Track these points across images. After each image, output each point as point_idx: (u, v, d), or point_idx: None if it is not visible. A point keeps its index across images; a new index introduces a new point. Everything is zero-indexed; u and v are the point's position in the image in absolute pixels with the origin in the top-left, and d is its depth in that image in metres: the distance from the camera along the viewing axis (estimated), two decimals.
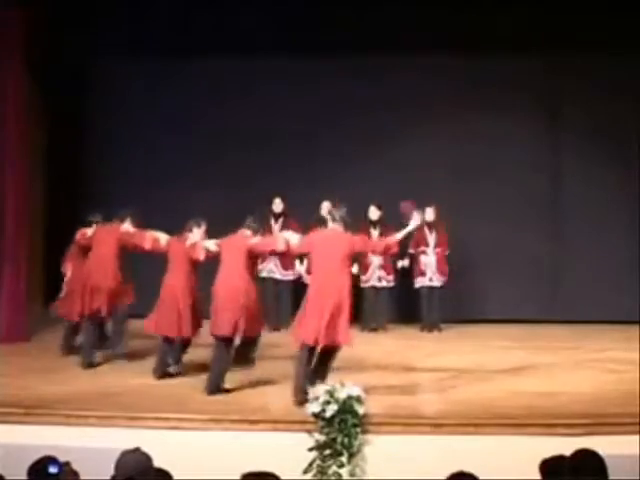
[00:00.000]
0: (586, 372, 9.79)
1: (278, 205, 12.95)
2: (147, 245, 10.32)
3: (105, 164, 13.86)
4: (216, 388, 9.09)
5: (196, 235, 10.00)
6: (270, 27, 13.21)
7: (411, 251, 12.78)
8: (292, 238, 9.44)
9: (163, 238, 10.22)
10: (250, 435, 8.04)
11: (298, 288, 12.53)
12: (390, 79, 13.36)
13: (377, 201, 12.79)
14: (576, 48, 12.88)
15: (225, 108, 13.53)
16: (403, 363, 10.38)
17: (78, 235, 11.17)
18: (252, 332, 9.56)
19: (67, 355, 10.87)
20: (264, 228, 10.92)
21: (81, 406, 8.50)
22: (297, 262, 12.50)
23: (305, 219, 12.68)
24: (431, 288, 12.84)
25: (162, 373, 9.77)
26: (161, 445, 6.76)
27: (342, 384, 8.16)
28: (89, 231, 11.03)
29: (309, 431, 7.94)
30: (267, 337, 10.63)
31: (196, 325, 9.94)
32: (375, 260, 12.58)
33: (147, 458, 4.38)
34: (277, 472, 4.50)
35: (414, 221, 9.11)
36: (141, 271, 10.91)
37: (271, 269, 12.78)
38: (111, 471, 4.46)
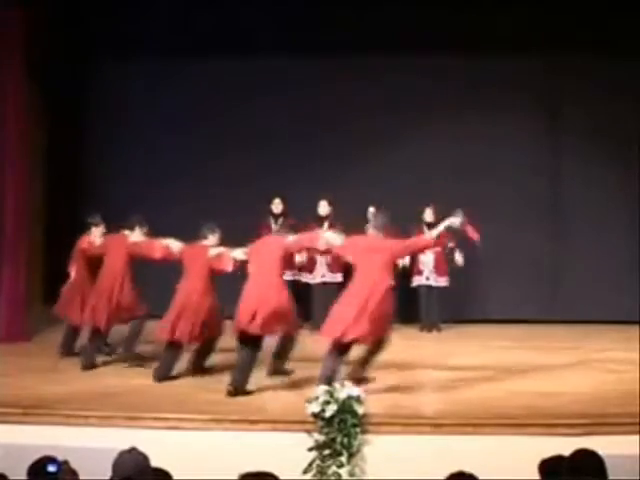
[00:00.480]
0: (586, 372, 9.79)
1: (278, 205, 12.94)
2: (157, 254, 10.20)
3: (105, 164, 13.87)
4: (241, 389, 9.06)
5: (211, 241, 9.91)
6: (270, 27, 13.22)
7: None
8: (335, 239, 9.42)
9: (175, 245, 10.08)
10: (250, 435, 8.04)
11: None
12: (390, 79, 13.36)
13: (376, 204, 12.79)
14: (576, 48, 12.89)
15: (225, 108, 13.53)
16: (402, 363, 10.37)
17: (84, 243, 10.98)
18: (289, 333, 9.53)
19: (65, 357, 10.82)
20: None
21: (81, 406, 8.50)
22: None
23: (305, 219, 12.73)
24: (429, 287, 12.86)
25: (164, 377, 9.67)
26: (161, 445, 6.80)
27: (342, 384, 8.17)
28: (97, 240, 10.86)
29: (309, 431, 7.94)
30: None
31: (215, 332, 9.84)
32: None
33: (144, 458, 4.38)
34: (276, 472, 4.50)
35: (453, 218, 9.15)
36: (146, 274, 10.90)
37: None
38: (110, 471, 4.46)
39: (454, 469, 4.49)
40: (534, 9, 12.79)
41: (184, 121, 13.62)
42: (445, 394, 9.13)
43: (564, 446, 4.98)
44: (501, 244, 12.91)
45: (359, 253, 9.08)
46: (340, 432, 7.90)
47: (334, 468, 7.85)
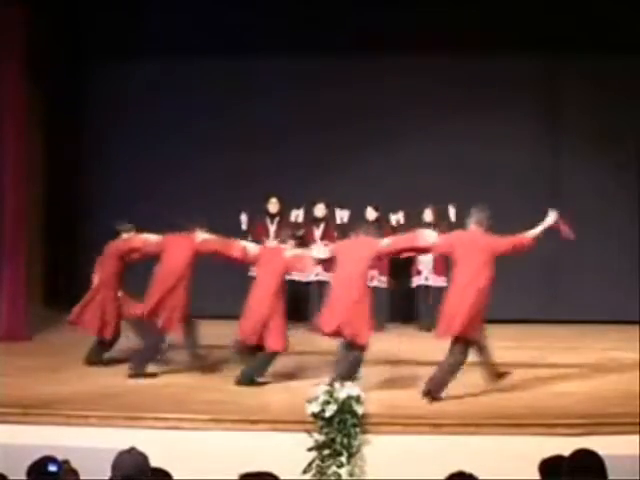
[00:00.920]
0: (585, 372, 9.78)
1: (274, 205, 12.93)
2: (236, 253, 10.01)
3: (104, 164, 13.86)
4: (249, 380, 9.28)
5: (290, 245, 9.87)
6: (269, 27, 13.20)
7: None
8: (431, 236, 9.42)
9: (252, 247, 10.02)
10: (249, 435, 8.04)
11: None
12: (389, 80, 13.36)
13: (375, 203, 12.82)
14: (576, 48, 12.89)
15: (224, 108, 13.52)
16: (402, 363, 10.38)
17: (134, 243, 10.57)
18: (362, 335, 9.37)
19: (90, 366, 10.37)
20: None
21: (81, 406, 8.50)
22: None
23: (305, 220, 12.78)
24: (428, 288, 12.86)
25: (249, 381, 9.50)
26: (161, 445, 6.81)
27: (341, 384, 8.17)
28: (151, 239, 10.45)
29: (308, 431, 7.94)
30: None
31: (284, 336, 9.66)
32: None
33: (144, 458, 4.38)
34: (276, 472, 4.50)
35: (550, 217, 9.19)
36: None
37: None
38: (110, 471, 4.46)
39: (454, 469, 4.49)
40: (535, 9, 12.78)
41: (184, 121, 13.60)
42: (445, 394, 9.11)
43: (564, 446, 4.98)
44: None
45: (461, 249, 9.06)
46: (340, 432, 7.90)
47: (334, 468, 7.85)
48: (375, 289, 12.70)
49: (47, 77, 13.24)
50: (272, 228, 12.74)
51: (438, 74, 13.26)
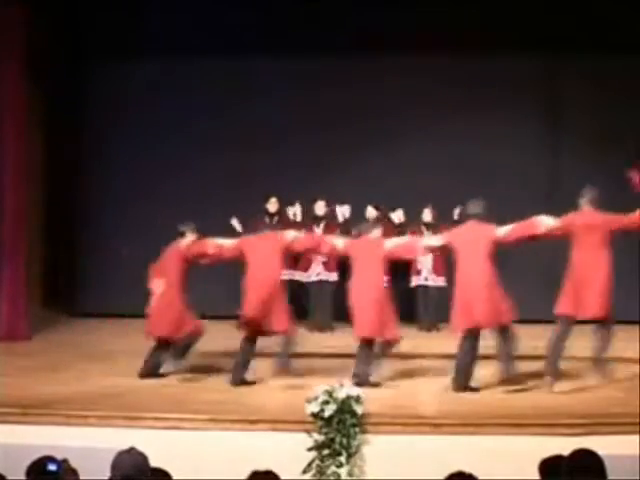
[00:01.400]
0: (585, 372, 9.76)
1: (274, 205, 12.93)
2: (325, 249, 10.01)
3: (104, 164, 13.84)
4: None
5: (375, 233, 9.74)
6: (267, 27, 13.18)
7: None
8: (549, 220, 9.39)
9: (340, 242, 9.91)
10: (249, 435, 8.05)
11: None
12: (389, 79, 13.35)
13: (375, 202, 12.83)
14: (576, 49, 12.87)
15: (224, 108, 13.51)
16: (401, 362, 10.37)
17: (200, 249, 10.11)
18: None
19: (145, 377, 9.81)
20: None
21: (81, 406, 8.51)
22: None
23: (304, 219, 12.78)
24: (427, 287, 12.87)
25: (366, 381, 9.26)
26: (161, 445, 6.80)
27: (341, 384, 8.17)
28: (227, 244, 10.01)
29: (308, 431, 7.95)
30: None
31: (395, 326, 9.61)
32: None
33: (143, 458, 4.38)
34: (276, 472, 4.51)
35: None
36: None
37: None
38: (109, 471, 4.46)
39: (454, 469, 4.49)
40: (535, 9, 12.77)
41: (184, 121, 13.58)
42: (444, 394, 9.12)
43: (564, 446, 4.97)
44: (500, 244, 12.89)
45: (579, 230, 9.19)
46: (339, 432, 7.90)
47: (333, 468, 7.85)
48: None
49: (47, 77, 13.23)
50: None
51: (438, 74, 13.25)
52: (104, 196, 13.74)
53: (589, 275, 9.12)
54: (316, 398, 8.03)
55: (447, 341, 10.28)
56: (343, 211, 12.89)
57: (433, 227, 12.79)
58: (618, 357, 10.44)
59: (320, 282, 12.76)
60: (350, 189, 13.05)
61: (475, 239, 9.28)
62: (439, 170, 13.26)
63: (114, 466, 4.35)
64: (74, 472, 4.85)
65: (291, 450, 7.80)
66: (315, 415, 7.98)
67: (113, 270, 13.57)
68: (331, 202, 12.94)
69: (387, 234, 11.84)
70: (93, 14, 13.56)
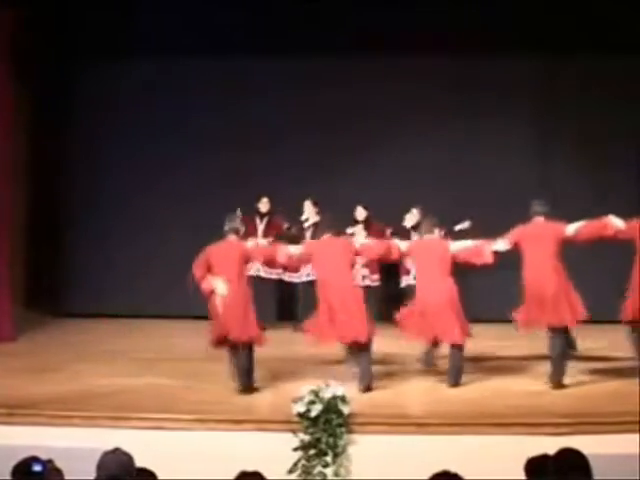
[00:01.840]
0: (571, 371, 9.77)
1: (265, 205, 12.94)
2: (395, 255, 9.79)
3: (92, 165, 13.79)
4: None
5: (436, 234, 9.77)
6: (266, 27, 13.14)
7: None
8: (618, 221, 9.36)
9: (403, 245, 9.78)
10: (235, 435, 8.04)
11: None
12: (387, 81, 13.33)
13: (363, 204, 12.86)
14: (566, 52, 12.87)
15: (219, 109, 13.49)
16: (388, 362, 10.38)
17: (269, 254, 9.86)
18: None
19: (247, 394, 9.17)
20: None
21: (66, 406, 8.48)
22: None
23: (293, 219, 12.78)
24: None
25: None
26: (146, 445, 6.78)
27: (327, 384, 8.17)
28: (295, 252, 9.67)
29: (294, 431, 7.95)
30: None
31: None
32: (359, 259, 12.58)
33: (129, 458, 4.38)
34: (262, 472, 4.51)
35: None
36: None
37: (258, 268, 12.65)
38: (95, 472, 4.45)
39: (439, 469, 4.50)
40: (522, 12, 12.76)
41: (176, 121, 13.53)
42: (431, 394, 9.13)
43: (549, 445, 4.99)
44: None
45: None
46: (325, 432, 7.91)
47: (319, 468, 7.85)
48: (362, 289, 12.74)
49: (34, 77, 13.19)
50: (261, 227, 12.78)
51: (432, 76, 13.27)
52: (90, 197, 13.70)
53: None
54: (302, 398, 8.04)
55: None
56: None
57: (419, 228, 12.82)
58: (604, 356, 10.50)
59: (310, 283, 12.74)
60: (346, 190, 13.05)
61: (543, 237, 9.27)
62: (427, 173, 13.28)
63: (99, 466, 4.35)
64: (59, 472, 4.83)
65: (277, 450, 7.79)
66: (301, 415, 7.98)
67: (97, 270, 13.56)
68: (320, 203, 12.94)
69: (374, 235, 11.93)
70: (82, 14, 13.43)
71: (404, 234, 12.21)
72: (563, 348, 9.26)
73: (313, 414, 7.93)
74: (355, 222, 12.80)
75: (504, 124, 13.42)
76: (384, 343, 11.73)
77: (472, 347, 9.63)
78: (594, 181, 13.35)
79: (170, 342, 11.71)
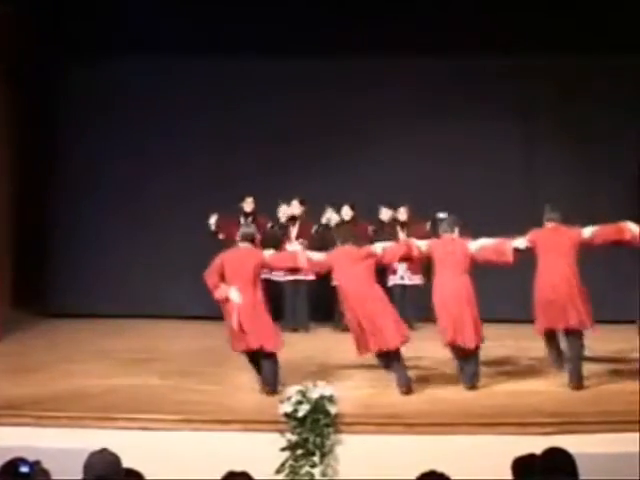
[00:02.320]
0: (558, 371, 9.79)
1: (249, 204, 12.95)
2: (415, 253, 9.72)
3: (77, 164, 13.75)
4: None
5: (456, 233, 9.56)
6: (254, 28, 13.13)
7: None
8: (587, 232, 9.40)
9: (422, 244, 9.70)
10: (222, 435, 8.03)
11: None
12: (361, 83, 13.35)
13: (350, 202, 12.87)
14: (544, 50, 12.89)
15: (208, 110, 13.48)
16: (375, 362, 10.38)
17: (287, 263, 9.80)
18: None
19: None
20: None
21: (53, 407, 8.46)
22: None
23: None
24: (403, 287, 12.88)
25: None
26: (133, 445, 6.76)
27: (314, 384, 8.18)
28: (316, 258, 9.62)
29: (281, 431, 7.95)
30: None
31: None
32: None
33: (115, 458, 4.38)
34: (249, 472, 4.51)
35: None
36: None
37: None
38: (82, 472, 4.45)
39: (427, 468, 4.50)
40: (502, 12, 12.78)
41: (165, 122, 13.49)
42: (418, 394, 9.13)
43: (536, 445, 5.00)
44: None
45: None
46: (313, 432, 7.91)
47: (307, 468, 7.86)
48: None
49: (24, 76, 13.15)
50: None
51: (424, 77, 13.32)
52: (78, 197, 13.65)
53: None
54: (289, 398, 8.04)
55: (423, 341, 10.32)
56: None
57: (408, 226, 12.85)
58: (591, 356, 10.52)
59: (296, 281, 12.75)
60: (328, 190, 13.06)
61: (560, 241, 9.29)
62: (416, 171, 13.30)
63: (86, 467, 4.34)
64: (46, 473, 4.82)
65: (264, 450, 7.79)
66: (288, 415, 7.98)
67: (85, 271, 13.52)
68: (306, 202, 12.96)
69: (361, 234, 11.94)
70: (72, 12, 13.38)
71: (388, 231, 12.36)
72: (580, 350, 9.26)
73: (300, 414, 7.94)
74: (342, 222, 12.83)
75: (489, 126, 13.43)
76: None
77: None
78: (580, 181, 13.39)
79: (158, 342, 11.69)
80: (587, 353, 9.60)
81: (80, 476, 4.36)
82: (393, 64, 13.17)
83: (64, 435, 7.94)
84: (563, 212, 9.52)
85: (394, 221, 12.94)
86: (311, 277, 12.38)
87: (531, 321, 12.81)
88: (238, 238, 9.50)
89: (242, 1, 13.02)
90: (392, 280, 12.91)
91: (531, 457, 4.85)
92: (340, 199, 12.94)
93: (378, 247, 9.63)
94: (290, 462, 7.87)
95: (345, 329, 12.31)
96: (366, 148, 13.42)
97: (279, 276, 12.82)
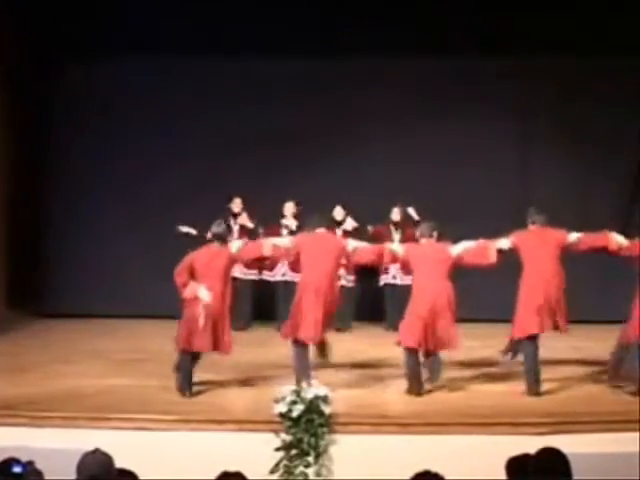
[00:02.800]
0: (552, 371, 9.81)
1: (237, 205, 12.96)
2: (387, 259, 9.70)
3: (73, 164, 13.72)
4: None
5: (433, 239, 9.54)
6: (250, 29, 13.12)
7: None
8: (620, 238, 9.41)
9: (399, 249, 9.64)
10: (216, 435, 8.02)
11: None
12: (361, 84, 13.35)
13: (343, 203, 12.88)
14: (544, 50, 12.90)
15: (207, 110, 13.47)
16: (369, 362, 10.39)
17: (255, 252, 9.64)
18: None
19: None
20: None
21: (46, 407, 8.45)
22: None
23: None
24: (394, 286, 12.89)
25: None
26: (127, 446, 6.76)
27: (309, 384, 8.17)
28: (280, 241, 9.74)
29: (276, 431, 7.94)
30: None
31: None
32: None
33: (108, 458, 4.37)
34: (243, 472, 4.50)
35: None
36: None
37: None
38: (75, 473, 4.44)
39: (421, 468, 4.50)
40: (502, 12, 12.79)
41: (159, 122, 13.48)
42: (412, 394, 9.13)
43: (530, 445, 5.00)
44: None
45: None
46: (307, 432, 7.91)
47: (301, 468, 7.86)
48: (341, 288, 12.75)
49: (17, 77, 13.12)
50: (236, 228, 12.79)
51: (421, 77, 13.33)
52: (72, 197, 13.64)
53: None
54: (284, 398, 8.04)
55: None
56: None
57: (401, 226, 12.86)
58: (584, 357, 10.54)
59: (286, 282, 12.74)
60: (328, 190, 13.05)
61: (546, 242, 9.28)
62: (409, 171, 13.30)
63: (79, 467, 4.33)
64: (39, 474, 4.81)
65: (259, 450, 7.78)
66: (283, 415, 7.98)
67: (80, 271, 13.51)
68: (301, 203, 12.95)
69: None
70: (71, 12, 13.35)
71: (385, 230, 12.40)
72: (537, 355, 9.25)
73: (295, 414, 7.93)
74: (334, 222, 12.83)
75: (489, 126, 13.45)
76: (361, 343, 11.80)
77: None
78: (579, 181, 13.41)
79: (152, 343, 11.66)
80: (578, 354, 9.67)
81: (74, 476, 4.35)
82: (393, 64, 13.18)
83: (58, 435, 7.93)
84: (548, 215, 9.51)
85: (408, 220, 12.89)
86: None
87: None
88: (209, 237, 9.57)
89: (242, 1, 13.03)
90: (384, 279, 12.93)
91: (525, 457, 4.84)
92: (340, 199, 12.94)
93: (351, 244, 9.57)
94: (284, 462, 7.87)
95: (339, 329, 12.43)
96: (366, 148, 13.42)
97: (269, 277, 12.85)
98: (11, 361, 10.63)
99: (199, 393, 9.09)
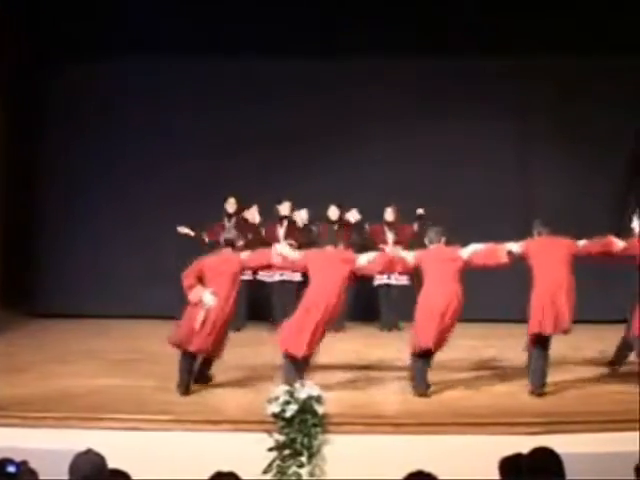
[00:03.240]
0: (550, 371, 9.79)
1: (232, 205, 12.97)
2: (399, 267, 9.77)
3: (66, 164, 13.71)
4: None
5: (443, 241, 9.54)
6: (247, 30, 13.12)
7: None
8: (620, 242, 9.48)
9: (409, 256, 9.60)
10: (209, 435, 8.02)
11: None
12: (361, 84, 13.35)
13: (338, 202, 12.89)
14: (544, 50, 12.91)
15: (207, 110, 13.47)
16: (363, 362, 10.40)
17: (263, 258, 9.62)
18: None
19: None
20: None
21: (39, 407, 8.44)
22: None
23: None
24: (389, 286, 12.89)
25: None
26: (120, 446, 6.75)
27: (302, 384, 8.17)
28: (288, 252, 9.66)
29: (269, 431, 7.94)
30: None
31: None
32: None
33: (101, 459, 4.36)
34: (237, 472, 4.50)
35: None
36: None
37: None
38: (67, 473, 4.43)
39: (414, 468, 4.50)
40: (502, 12, 12.80)
41: (154, 124, 13.48)
42: (406, 394, 9.14)
43: (523, 445, 5.01)
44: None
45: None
46: (300, 432, 7.90)
47: (294, 468, 7.85)
48: None
49: (8, 79, 13.09)
50: (230, 227, 12.81)
51: (420, 77, 13.35)
52: (65, 198, 13.63)
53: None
54: (277, 398, 8.04)
55: (407, 341, 10.31)
56: (302, 216, 12.94)
57: (395, 226, 12.87)
58: (583, 357, 10.55)
59: (283, 282, 12.74)
60: (328, 190, 13.06)
61: (557, 248, 9.31)
62: (407, 171, 13.31)
63: (72, 468, 4.33)
64: (33, 473, 4.81)
65: (252, 450, 7.78)
66: (276, 415, 7.98)
67: (73, 271, 13.51)
68: (296, 203, 12.96)
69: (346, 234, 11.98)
70: (71, 12, 13.31)
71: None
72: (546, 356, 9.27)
73: (288, 414, 7.93)
74: (328, 221, 12.84)
75: (489, 126, 13.46)
76: (355, 342, 11.80)
77: (448, 346, 9.61)
78: (579, 181, 13.42)
79: (145, 343, 11.65)
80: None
81: (67, 477, 4.35)
82: (393, 64, 13.19)
83: (51, 436, 7.91)
84: (554, 227, 9.53)
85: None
86: (297, 278, 12.40)
87: (513, 320, 12.86)
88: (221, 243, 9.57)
89: (242, 1, 13.04)
90: (378, 279, 12.92)
91: (518, 457, 4.85)
92: (340, 199, 12.95)
93: (362, 258, 9.47)
94: (277, 462, 7.86)
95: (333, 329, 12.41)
96: (366, 148, 13.43)
97: (266, 277, 12.84)
98: (4, 361, 10.61)
99: (192, 393, 9.09)
